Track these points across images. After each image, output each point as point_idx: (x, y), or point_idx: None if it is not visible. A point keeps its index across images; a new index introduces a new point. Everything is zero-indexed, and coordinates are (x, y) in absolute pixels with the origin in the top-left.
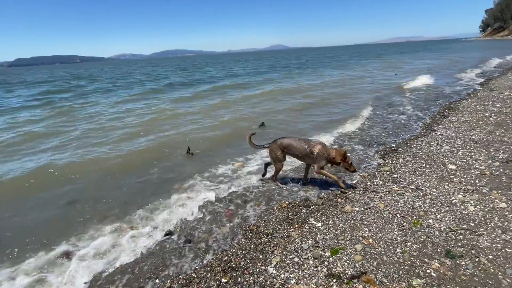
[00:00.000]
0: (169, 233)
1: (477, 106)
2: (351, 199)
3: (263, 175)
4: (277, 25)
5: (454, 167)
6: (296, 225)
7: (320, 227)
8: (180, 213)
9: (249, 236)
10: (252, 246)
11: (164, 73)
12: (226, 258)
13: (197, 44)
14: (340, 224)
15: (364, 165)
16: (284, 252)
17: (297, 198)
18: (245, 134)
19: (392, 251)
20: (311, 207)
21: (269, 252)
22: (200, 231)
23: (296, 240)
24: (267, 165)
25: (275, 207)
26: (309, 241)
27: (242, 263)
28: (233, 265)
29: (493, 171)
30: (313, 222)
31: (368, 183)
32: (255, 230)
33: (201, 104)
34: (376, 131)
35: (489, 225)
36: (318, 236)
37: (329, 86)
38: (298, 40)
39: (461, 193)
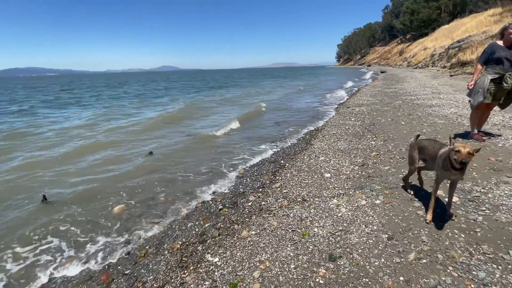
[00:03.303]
0: None
1: (340, 121)
2: (247, 223)
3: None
4: (167, 45)
5: (329, 175)
6: (191, 267)
7: (217, 263)
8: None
9: None
10: None
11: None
12: None
13: (63, 62)
14: (238, 253)
15: (257, 185)
16: None
17: (191, 235)
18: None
19: (287, 268)
20: (208, 241)
21: None
22: None
23: (192, 286)
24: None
25: (166, 252)
26: (206, 283)
27: None
28: None
29: (355, 174)
30: (209, 258)
31: (263, 202)
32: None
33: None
34: (267, 150)
35: (356, 222)
36: (216, 273)
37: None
38: (189, 62)
39: (335, 198)
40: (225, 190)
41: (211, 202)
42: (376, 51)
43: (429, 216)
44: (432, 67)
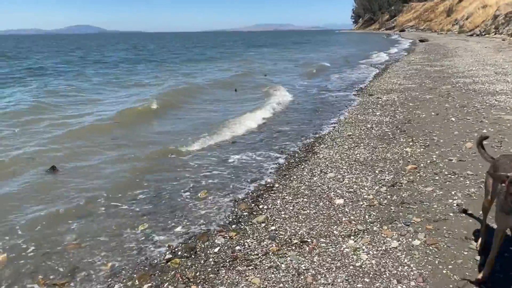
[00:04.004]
0: None
1: (359, 116)
2: (212, 281)
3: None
4: None
5: (341, 201)
6: None
7: None
8: None
9: None
10: None
11: None
12: None
13: None
14: None
15: (230, 219)
16: None
17: None
18: None
19: None
20: None
21: None
22: None
23: None
24: None
25: None
26: None
27: None
28: None
29: (381, 199)
30: None
31: (237, 247)
32: None
33: None
34: (246, 160)
35: (384, 276)
36: None
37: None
38: (121, 21)
39: (352, 237)
40: (177, 228)
41: (153, 249)
42: (413, 8)
43: (480, 275)
44: (495, 34)
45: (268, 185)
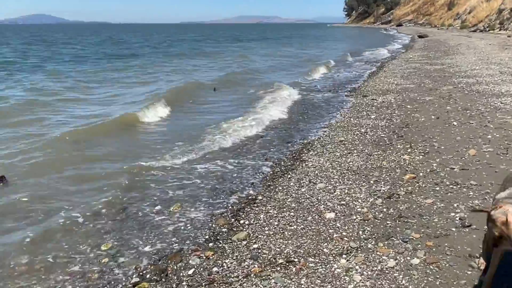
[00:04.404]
0: None
1: (351, 120)
2: None
3: None
4: None
5: (332, 215)
6: None
7: None
8: None
9: None
10: None
11: None
12: None
13: None
14: None
15: (206, 237)
16: None
17: None
18: None
19: None
20: None
21: None
22: None
23: None
24: None
25: None
26: None
27: None
28: None
29: (376, 213)
30: None
31: (215, 268)
32: None
33: None
34: (225, 170)
35: None
36: None
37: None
38: (86, 11)
39: (344, 255)
40: (145, 247)
41: (118, 271)
42: (411, 1)
43: None
44: (500, 30)
45: (250, 197)
